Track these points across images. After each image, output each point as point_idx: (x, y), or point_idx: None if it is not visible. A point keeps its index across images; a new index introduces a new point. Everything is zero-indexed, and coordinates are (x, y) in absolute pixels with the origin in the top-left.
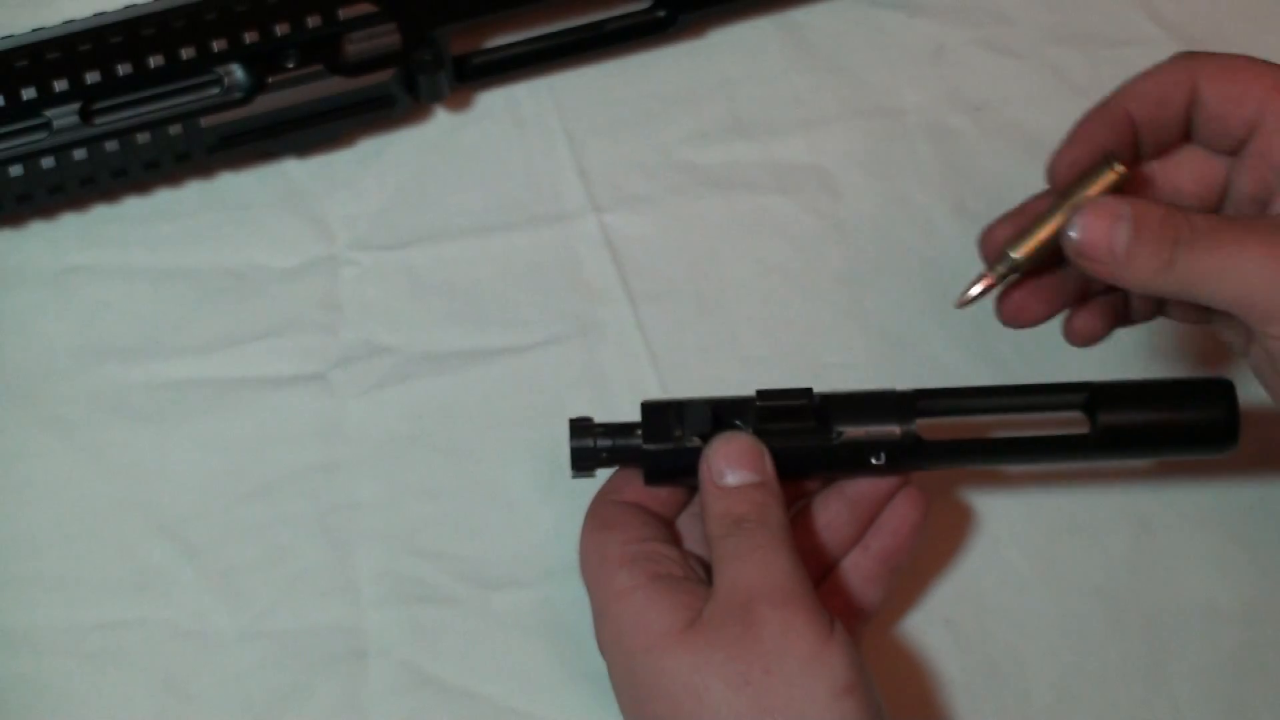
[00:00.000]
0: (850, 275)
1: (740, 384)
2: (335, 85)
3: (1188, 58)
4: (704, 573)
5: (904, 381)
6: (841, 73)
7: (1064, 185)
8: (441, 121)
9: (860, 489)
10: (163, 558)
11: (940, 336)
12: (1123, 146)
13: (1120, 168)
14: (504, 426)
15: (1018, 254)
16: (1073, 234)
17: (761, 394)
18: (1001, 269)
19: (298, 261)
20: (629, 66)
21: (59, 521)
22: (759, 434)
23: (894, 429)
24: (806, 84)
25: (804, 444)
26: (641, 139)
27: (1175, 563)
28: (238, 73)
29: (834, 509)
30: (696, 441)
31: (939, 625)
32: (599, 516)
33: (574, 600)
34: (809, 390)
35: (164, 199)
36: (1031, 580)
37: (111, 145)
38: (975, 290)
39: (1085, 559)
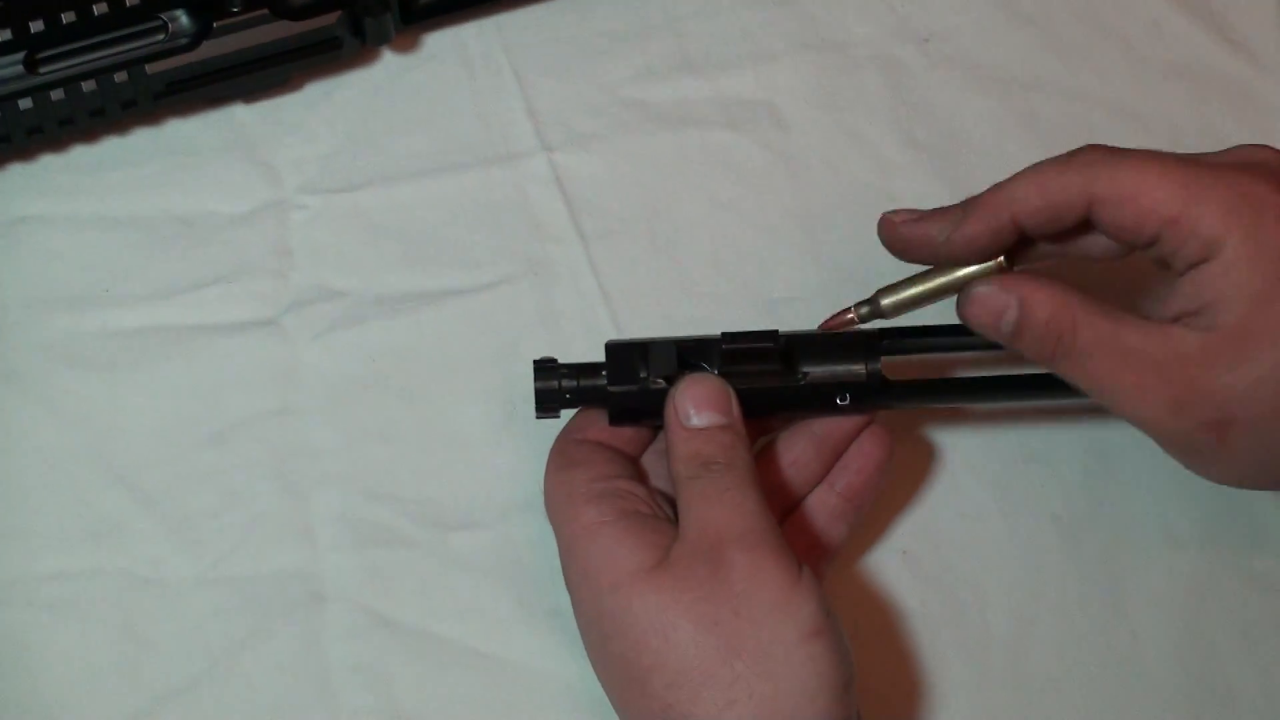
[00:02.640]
0: (801, 209)
1: (693, 320)
2: (281, 29)
3: (1083, 168)
4: (671, 510)
5: None
6: (789, 6)
7: (948, 251)
8: (389, 64)
9: (826, 427)
10: (118, 506)
11: (893, 268)
12: (1011, 239)
13: (1001, 260)
14: (458, 368)
15: (887, 303)
16: (964, 312)
17: (727, 336)
18: (866, 310)
19: (247, 207)
20: (576, 5)
21: (13, 473)
22: (724, 375)
23: (859, 369)
24: (755, 19)
25: (769, 385)
26: (590, 77)
27: (1131, 489)
28: (183, 18)
29: (800, 446)
30: (661, 384)
31: (896, 558)
32: (564, 455)
33: (532, 540)
34: (775, 332)
35: (111, 147)
36: (988, 510)
37: (57, 94)
38: (835, 320)
39: (1042, 487)
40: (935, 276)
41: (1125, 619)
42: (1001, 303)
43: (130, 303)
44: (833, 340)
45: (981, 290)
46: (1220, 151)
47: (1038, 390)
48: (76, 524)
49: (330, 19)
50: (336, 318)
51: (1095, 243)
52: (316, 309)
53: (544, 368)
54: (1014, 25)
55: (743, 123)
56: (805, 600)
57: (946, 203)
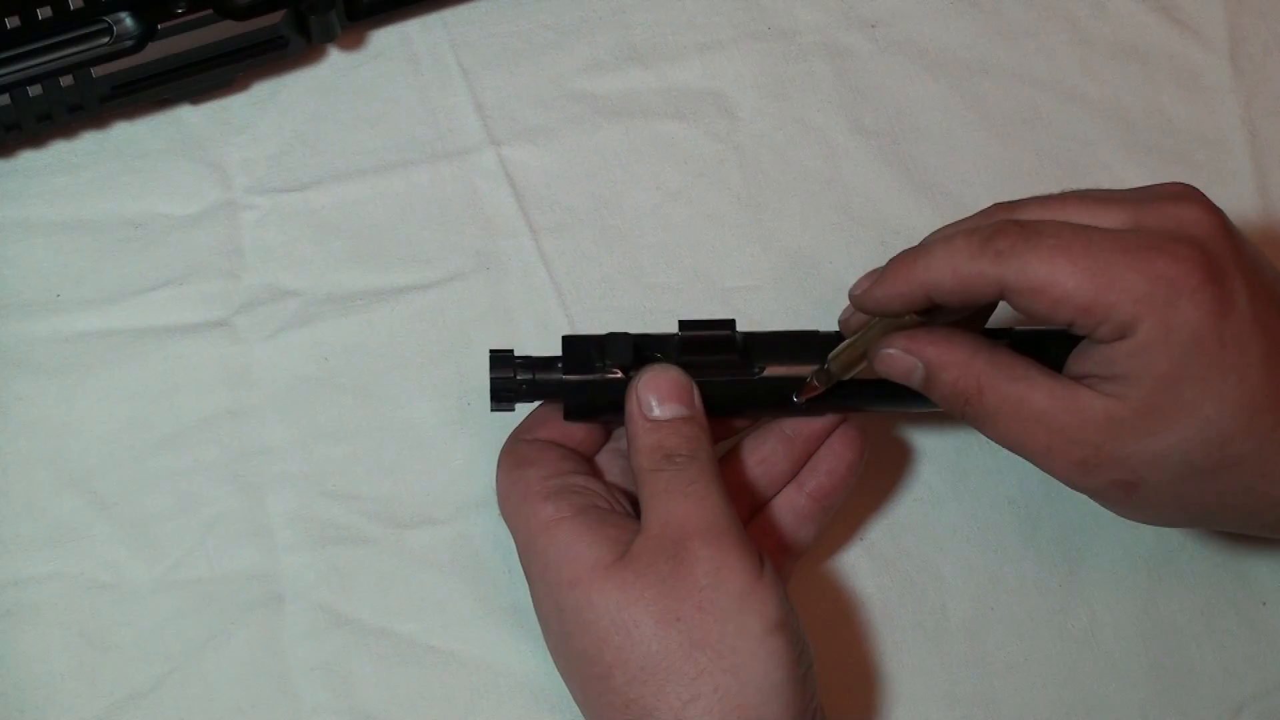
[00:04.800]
0: (751, 198)
1: (646, 311)
2: (226, 29)
3: (996, 258)
4: (629, 505)
5: (809, 302)
6: None
7: (862, 306)
8: (335, 61)
9: (797, 426)
10: (74, 511)
11: (843, 256)
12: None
13: (915, 318)
14: (411, 364)
15: (833, 368)
16: (875, 369)
17: (684, 324)
18: (823, 379)
19: (197, 208)
20: None
21: None
22: (682, 366)
23: (814, 368)
24: (700, 8)
25: (725, 378)
26: (537, 70)
27: None
28: (127, 20)
29: (769, 445)
30: (617, 373)
31: (855, 544)
32: (515, 455)
33: (488, 535)
34: (731, 321)
35: (59, 151)
36: (944, 495)
37: (3, 100)
38: (805, 397)
39: (997, 471)
40: (862, 333)
41: (1083, 600)
42: (908, 364)
43: (81, 307)
44: (790, 339)
45: (887, 351)
46: (1148, 199)
47: None
48: (32, 529)
49: (275, 18)
50: (288, 317)
51: None
52: (268, 309)
53: (500, 358)
54: (960, 9)
55: (691, 112)
56: (769, 594)
57: (895, 187)
